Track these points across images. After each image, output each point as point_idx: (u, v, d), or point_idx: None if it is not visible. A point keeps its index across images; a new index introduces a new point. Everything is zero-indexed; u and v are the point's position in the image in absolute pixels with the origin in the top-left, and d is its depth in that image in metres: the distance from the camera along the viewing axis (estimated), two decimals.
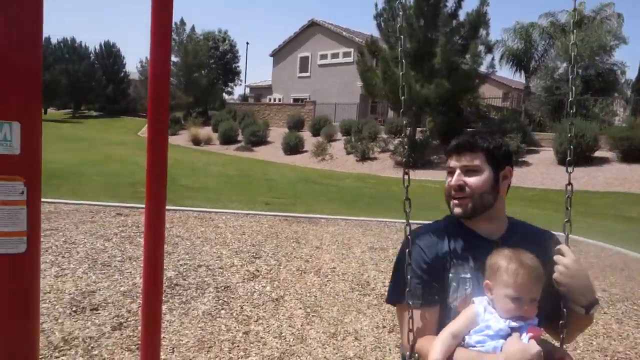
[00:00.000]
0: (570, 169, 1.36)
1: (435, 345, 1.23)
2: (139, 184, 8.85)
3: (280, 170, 15.48)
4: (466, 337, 1.24)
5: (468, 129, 19.06)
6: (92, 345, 2.67)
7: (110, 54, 45.56)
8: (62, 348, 2.61)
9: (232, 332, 2.98)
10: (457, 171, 1.38)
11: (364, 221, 6.86)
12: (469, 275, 1.34)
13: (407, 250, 1.30)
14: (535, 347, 1.14)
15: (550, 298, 1.27)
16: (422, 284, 1.35)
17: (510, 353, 1.15)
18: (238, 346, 2.81)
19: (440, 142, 18.67)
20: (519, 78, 25.22)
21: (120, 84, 45.38)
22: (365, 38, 20.72)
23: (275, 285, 3.89)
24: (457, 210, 1.38)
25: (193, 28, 34.51)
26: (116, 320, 3.00)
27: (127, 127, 32.57)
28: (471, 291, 1.33)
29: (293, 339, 2.94)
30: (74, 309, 3.11)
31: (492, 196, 1.36)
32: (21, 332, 0.96)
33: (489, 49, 17.68)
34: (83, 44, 42.79)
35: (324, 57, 31.75)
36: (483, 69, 17.90)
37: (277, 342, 2.89)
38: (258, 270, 4.23)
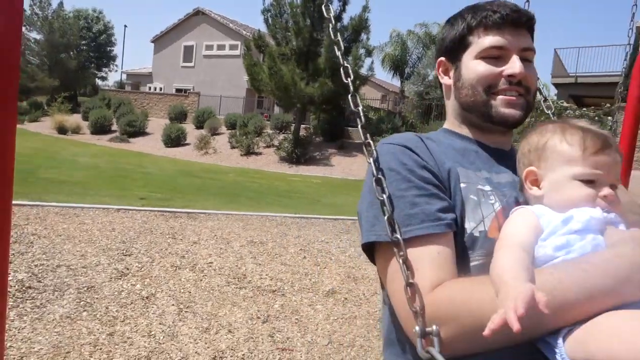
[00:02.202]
0: None
1: (508, 271, 0.70)
2: None
3: (159, 163, 14.70)
4: (535, 249, 0.77)
5: (349, 127, 20.08)
6: None
7: None
8: None
9: (94, 335, 2.79)
10: (515, 54, 0.93)
11: (245, 215, 6.85)
12: (488, 187, 0.89)
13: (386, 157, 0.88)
14: None
15: None
16: (428, 197, 0.84)
17: (636, 239, 0.75)
18: (101, 348, 2.64)
19: (323, 139, 19.37)
20: (397, 82, 27.27)
21: None
22: (253, 32, 20.59)
23: (146, 283, 3.71)
24: (513, 112, 0.93)
25: (61, 4, 31.03)
26: None
27: None
28: (501, 207, 0.86)
29: (163, 337, 2.86)
30: None
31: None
32: None
33: (369, 52, 18.76)
34: None
35: (209, 47, 30.78)
36: (364, 71, 18.98)
37: (145, 341, 2.78)
38: (127, 269, 3.99)
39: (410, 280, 0.75)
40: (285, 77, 16.44)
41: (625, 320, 0.66)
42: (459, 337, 0.73)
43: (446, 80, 1.05)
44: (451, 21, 1.04)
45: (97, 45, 38.38)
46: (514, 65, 0.92)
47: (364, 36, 18.48)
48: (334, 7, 18.21)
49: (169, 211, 6.58)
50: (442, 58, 1.06)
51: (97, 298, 3.32)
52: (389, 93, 35.50)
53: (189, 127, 21.83)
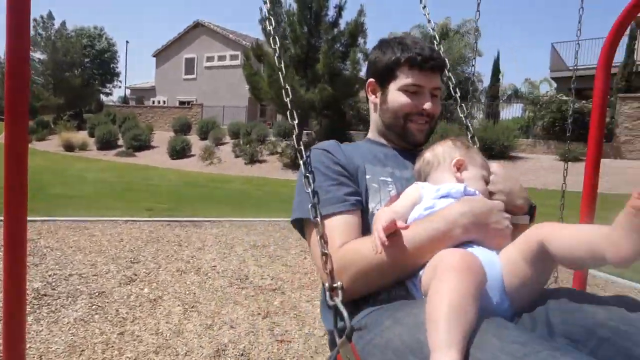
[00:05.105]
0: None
1: (378, 220, 1.01)
2: None
3: (165, 175, 14.99)
4: (410, 214, 1.05)
5: (351, 132, 20.28)
6: None
7: None
8: None
9: (106, 335, 3.00)
10: (427, 93, 1.25)
11: (248, 222, 7.06)
12: (390, 179, 1.19)
13: (307, 159, 1.17)
14: (496, 201, 1.07)
15: None
16: (338, 185, 1.14)
17: (471, 199, 1.03)
18: (112, 346, 2.85)
19: None
20: None
21: None
22: (252, 41, 20.90)
23: (153, 287, 3.93)
24: (420, 137, 1.29)
25: (64, 23, 31.61)
26: None
27: None
28: (396, 193, 1.16)
29: (170, 334, 3.06)
30: None
31: None
32: None
33: (367, 57, 18.98)
34: None
35: (210, 59, 31.23)
36: (362, 75, 19.19)
37: (153, 338, 2.98)
38: (136, 274, 4.21)
39: (325, 251, 1.01)
40: (283, 85, 16.69)
41: (438, 255, 0.91)
42: (358, 276, 1.01)
43: (373, 99, 1.35)
44: (382, 48, 1.31)
45: (101, 62, 39.01)
46: (428, 103, 1.24)
47: (361, 40, 18.74)
48: (330, 13, 18.51)
49: (175, 220, 6.81)
50: (372, 80, 1.34)
51: (107, 302, 3.54)
52: None
53: (193, 138, 22.15)
